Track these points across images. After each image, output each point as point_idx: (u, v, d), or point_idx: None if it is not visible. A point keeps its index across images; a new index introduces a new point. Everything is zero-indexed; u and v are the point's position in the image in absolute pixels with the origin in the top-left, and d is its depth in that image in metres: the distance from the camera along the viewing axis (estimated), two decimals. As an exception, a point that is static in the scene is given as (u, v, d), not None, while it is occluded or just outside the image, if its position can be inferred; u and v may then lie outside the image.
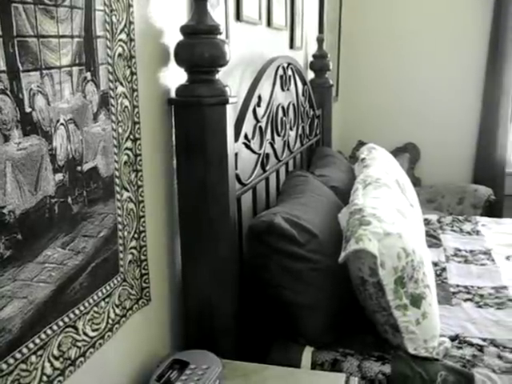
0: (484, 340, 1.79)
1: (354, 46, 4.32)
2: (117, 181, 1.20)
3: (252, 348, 1.68)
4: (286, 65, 2.41)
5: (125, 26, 1.20)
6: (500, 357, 1.69)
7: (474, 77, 4.32)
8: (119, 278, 1.24)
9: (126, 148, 1.23)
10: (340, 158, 3.02)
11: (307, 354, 1.65)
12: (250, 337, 1.71)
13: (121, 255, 1.23)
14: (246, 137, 1.78)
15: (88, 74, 1.08)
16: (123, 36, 1.19)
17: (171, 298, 1.54)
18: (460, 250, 2.62)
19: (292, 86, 2.55)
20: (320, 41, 3.11)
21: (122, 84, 1.20)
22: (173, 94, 1.46)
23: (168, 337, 1.54)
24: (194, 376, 1.23)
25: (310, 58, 3.17)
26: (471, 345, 1.75)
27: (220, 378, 1.27)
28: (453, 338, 1.78)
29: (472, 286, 2.22)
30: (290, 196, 2.01)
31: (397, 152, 4.15)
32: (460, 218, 3.17)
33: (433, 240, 2.73)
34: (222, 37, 1.47)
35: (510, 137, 4.35)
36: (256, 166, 1.91)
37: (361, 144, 3.39)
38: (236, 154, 1.62)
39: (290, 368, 1.51)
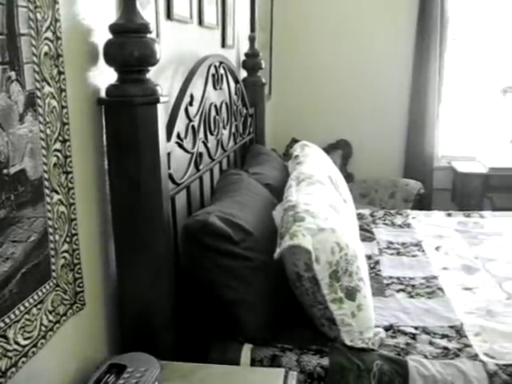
0: (416, 328, 1.85)
1: (287, 44, 4.36)
2: (46, 183, 1.17)
3: (192, 348, 1.67)
4: (218, 64, 2.41)
5: (50, 23, 1.16)
6: (431, 343, 1.76)
7: (402, 75, 4.44)
8: (52, 284, 1.20)
9: (55, 149, 1.20)
10: (273, 156, 3.05)
11: (246, 351, 1.66)
12: (189, 337, 1.70)
13: (53, 260, 1.20)
14: (178, 136, 1.77)
15: (12, 74, 1.05)
16: (49, 34, 1.16)
17: (107, 301, 1.51)
18: (392, 243, 2.69)
19: (224, 85, 2.56)
20: (252, 39, 3.13)
21: (49, 84, 1.17)
22: (103, 94, 1.43)
23: (105, 341, 1.51)
24: (132, 379, 1.21)
25: (242, 57, 3.18)
26: (404, 334, 1.81)
27: (158, 379, 1.26)
28: (387, 328, 1.83)
29: (404, 277, 2.29)
30: (225, 194, 2.01)
31: (329, 149, 4.22)
32: (392, 211, 3.26)
33: (366, 234, 2.79)
34: (153, 36, 1.45)
35: (437, 133, 4.49)
36: (189, 165, 1.90)
37: (294, 141, 3.42)
38: (169, 154, 1.61)
39: (229, 366, 1.51)
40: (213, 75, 2.33)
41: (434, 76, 4.36)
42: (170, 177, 1.65)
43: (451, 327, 1.87)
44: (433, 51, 4.31)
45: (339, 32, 4.39)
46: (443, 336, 1.81)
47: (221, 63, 2.46)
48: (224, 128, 2.48)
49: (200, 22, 2.38)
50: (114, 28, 1.36)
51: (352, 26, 4.39)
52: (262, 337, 1.69)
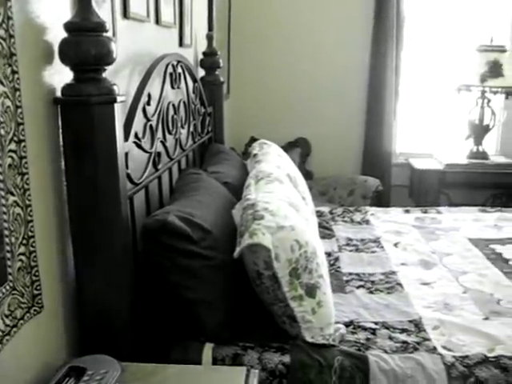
0: (376, 323, 1.88)
1: (245, 42, 4.36)
2: (1, 185, 1.14)
3: (154, 349, 1.66)
4: (175, 63, 2.39)
5: (2, 21, 1.13)
6: (391, 338, 1.79)
7: (360, 74, 4.49)
8: (8, 287, 1.18)
9: (10, 150, 1.18)
10: (232, 155, 3.05)
11: (207, 350, 1.66)
12: (151, 338, 1.68)
13: (9, 262, 1.18)
14: (136, 136, 1.75)
15: (-36, 74, 1.02)
16: (1, 32, 1.13)
17: (66, 304, 1.49)
18: (351, 240, 2.73)
19: (182, 84, 2.55)
20: (210, 38, 3.12)
21: (2, 83, 1.14)
22: (59, 94, 1.41)
23: (64, 343, 1.49)
24: (92, 382, 1.20)
25: (200, 56, 3.17)
26: (365, 329, 1.84)
27: (119, 381, 1.24)
28: (347, 324, 1.86)
29: (364, 274, 2.32)
30: (184, 194, 2.00)
31: (288, 147, 4.24)
32: (350, 208, 3.29)
33: (325, 231, 2.82)
34: (109, 34, 1.44)
35: (394, 130, 4.56)
36: (148, 165, 1.89)
37: (253, 140, 3.43)
38: (126, 154, 1.59)
39: (190, 366, 1.51)
40: (170, 74, 2.31)
41: (391, 74, 4.42)
42: (128, 177, 1.63)
43: (410, 322, 1.91)
44: (389, 50, 4.37)
45: (297, 31, 4.42)
46: (402, 330, 1.85)
47: (178, 62, 2.45)
48: (182, 127, 2.47)
49: (157, 21, 2.36)
50: (69, 26, 1.34)
51: (309, 25, 4.41)
52: (223, 336, 1.69)
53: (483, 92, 4.31)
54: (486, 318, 1.95)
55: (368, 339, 1.78)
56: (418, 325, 1.88)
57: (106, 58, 1.38)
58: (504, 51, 4.23)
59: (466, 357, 1.68)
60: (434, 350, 1.72)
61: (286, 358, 1.63)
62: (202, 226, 1.72)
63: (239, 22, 4.27)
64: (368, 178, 4.24)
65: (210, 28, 3.19)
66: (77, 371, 1.24)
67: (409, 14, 4.44)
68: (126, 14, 1.95)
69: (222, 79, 3.24)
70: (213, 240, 1.72)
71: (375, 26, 4.38)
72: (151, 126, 1.94)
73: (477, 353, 1.70)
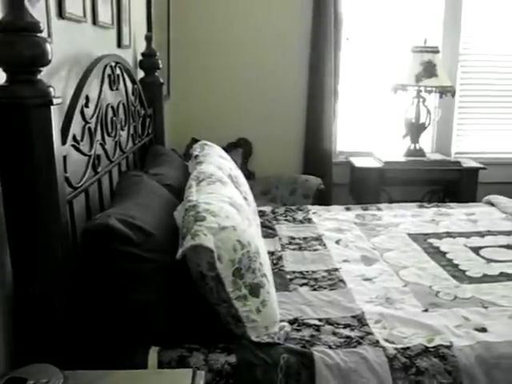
0: (320, 320, 1.91)
1: (184, 43, 4.33)
2: None
3: (101, 355, 1.63)
4: (113, 64, 2.36)
5: None
6: (335, 333, 1.81)
7: (299, 74, 4.53)
8: None
9: None
10: (174, 156, 3.03)
11: (153, 354, 1.64)
12: (97, 344, 1.65)
13: None
14: (74, 139, 1.72)
15: None
16: None
17: (3, 313, 1.44)
18: (294, 238, 2.75)
19: (121, 86, 2.52)
20: (148, 39, 3.09)
21: None
22: (-9, 96, 1.37)
23: (3, 355, 1.45)
24: (33, 391, 1.17)
25: (139, 57, 3.14)
26: (309, 326, 1.86)
27: (62, 389, 1.22)
28: (292, 322, 1.88)
29: (307, 271, 2.35)
30: (125, 197, 1.97)
31: (230, 147, 4.24)
32: (293, 207, 3.32)
33: (268, 230, 2.83)
34: (44, 35, 1.41)
35: (334, 130, 4.63)
36: (87, 168, 1.86)
37: (194, 141, 3.41)
38: (65, 157, 1.56)
39: (135, 370, 1.50)
40: (109, 76, 2.28)
41: (330, 74, 4.48)
42: (67, 180, 1.60)
43: (353, 317, 1.94)
44: (328, 51, 4.42)
45: (236, 32, 4.42)
46: (346, 326, 1.88)
47: (117, 63, 2.42)
48: (122, 129, 2.44)
49: (94, 22, 2.33)
50: (0, 26, 1.30)
51: (249, 26, 4.43)
52: (168, 338, 1.68)
53: (419, 91, 4.42)
54: (426, 310, 2.01)
55: (312, 336, 1.80)
56: (360, 319, 1.92)
57: (41, 59, 1.35)
58: (437, 52, 4.37)
59: (407, 348, 1.73)
60: (376, 343, 1.76)
61: (232, 358, 1.63)
62: (144, 228, 1.71)
63: (178, 23, 4.24)
64: (309, 177, 4.29)
65: (149, 29, 3.17)
66: (17, 382, 1.21)
67: (346, 15, 4.51)
68: (61, 13, 1.91)
69: (161, 80, 3.21)
70: (155, 242, 1.71)
71: (313, 27, 4.43)
72: (90, 129, 1.91)
73: (417, 344, 1.75)
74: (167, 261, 1.69)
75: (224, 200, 1.87)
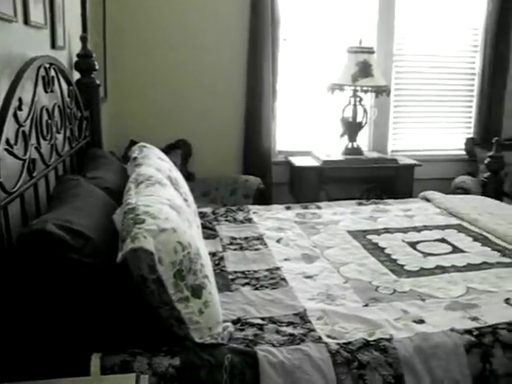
0: (263, 319, 1.92)
1: (121, 44, 4.27)
2: None
3: (41, 364, 1.58)
4: (48, 65, 2.31)
5: None
6: (278, 332, 1.83)
7: (237, 75, 4.54)
8: None
9: None
10: (112, 159, 2.99)
11: (95, 360, 1.61)
12: (37, 352, 1.61)
13: None
14: (7, 142, 1.68)
15: None
16: None
17: None
18: (235, 239, 2.76)
19: (56, 88, 2.46)
20: (84, 39, 3.03)
21: None
22: None
23: None
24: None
25: (75, 58, 3.07)
26: (252, 325, 1.87)
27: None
28: (235, 322, 1.88)
29: (249, 271, 2.36)
30: (62, 201, 1.93)
31: (169, 149, 4.21)
32: (233, 208, 3.33)
33: (209, 231, 2.83)
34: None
35: (273, 129, 4.66)
36: (22, 172, 1.81)
37: (133, 143, 3.37)
38: (-2, 162, 1.52)
39: (78, 378, 1.47)
40: (43, 77, 2.23)
41: (268, 75, 4.50)
42: (1, 185, 1.56)
43: (295, 314, 1.97)
44: (266, 51, 4.45)
45: (174, 32, 4.39)
46: (289, 323, 1.90)
47: (51, 64, 2.37)
48: (58, 132, 2.39)
49: (26, 21, 2.26)
50: None
51: (186, 26, 4.41)
52: (110, 344, 1.66)
53: (355, 91, 4.51)
54: (366, 305, 2.06)
55: (256, 335, 1.81)
56: (303, 317, 1.94)
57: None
58: (372, 52, 4.47)
59: (349, 343, 1.77)
60: (319, 339, 1.78)
61: (176, 361, 1.63)
62: (82, 232, 1.67)
63: (115, 23, 4.18)
64: (249, 177, 4.31)
65: (84, 29, 3.11)
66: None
67: (283, 16, 4.56)
68: (-11, 13, 1.85)
69: (98, 82, 3.16)
70: (94, 246, 1.68)
71: (251, 27, 4.45)
72: (24, 132, 1.86)
73: (358, 338, 1.79)
74: (107, 265, 1.66)
75: (163, 202, 1.85)
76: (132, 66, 4.37)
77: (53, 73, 2.39)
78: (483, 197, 3.77)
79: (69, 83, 2.69)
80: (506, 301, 2.10)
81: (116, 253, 1.60)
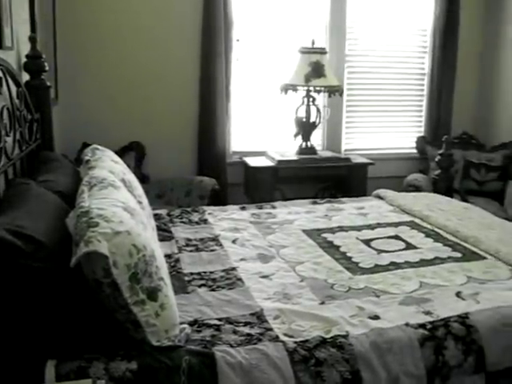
0: (220, 320, 1.92)
1: (72, 44, 4.20)
2: None
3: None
4: (-5, 66, 2.26)
5: None
6: (235, 332, 1.83)
7: (191, 76, 4.54)
8: None
9: None
10: (64, 162, 2.93)
11: (50, 367, 1.58)
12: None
13: None
14: (-46, 146, 1.63)
15: None
16: None
17: None
18: (191, 240, 2.74)
19: (4, 89, 2.40)
20: (33, 40, 2.96)
21: None
22: None
23: None
24: None
25: (24, 59, 3.01)
26: (209, 326, 1.87)
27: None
28: (192, 323, 1.88)
29: (205, 272, 2.35)
30: (12, 206, 1.88)
31: (122, 151, 4.16)
32: (188, 209, 3.31)
33: (165, 233, 2.81)
34: None
35: (228, 130, 4.66)
36: (-30, 177, 1.77)
37: (85, 146, 3.31)
38: None
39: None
40: (-10, 79, 2.18)
41: (221, 75, 4.51)
42: None
43: (252, 314, 1.97)
44: (218, 52, 4.46)
45: (126, 33, 4.36)
46: (246, 323, 1.90)
47: (-2, 66, 2.31)
48: (7, 135, 2.33)
49: (-30, 22, 2.20)
50: None
51: (138, 26, 4.38)
52: (66, 350, 1.63)
53: (308, 91, 4.55)
54: (322, 303, 2.08)
55: (213, 336, 1.80)
56: (259, 316, 1.95)
57: None
58: (324, 53, 4.52)
59: (306, 341, 1.78)
60: (276, 338, 1.79)
61: (133, 365, 1.61)
62: (34, 237, 1.64)
63: (65, 23, 4.12)
64: (204, 178, 4.30)
65: (33, 29, 3.04)
66: None
67: (236, 17, 4.56)
68: None
69: (48, 83, 3.09)
70: (47, 251, 1.64)
71: (204, 28, 4.45)
72: (-29, 136, 1.82)
73: (315, 336, 1.81)
74: (61, 270, 1.63)
75: (117, 205, 1.83)
76: (83, 67, 4.31)
77: (0, 74, 2.33)
78: (434, 194, 3.86)
79: (18, 85, 2.64)
80: (457, 294, 2.16)
81: (70, 257, 1.58)
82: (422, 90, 5.31)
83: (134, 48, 4.40)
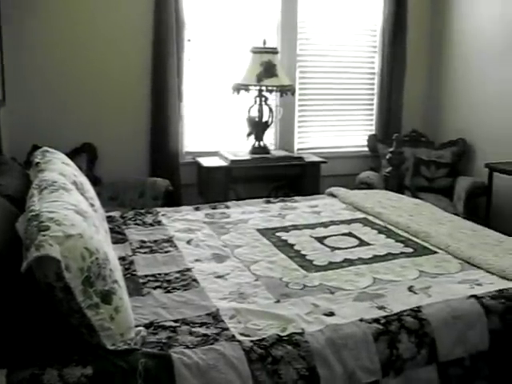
0: (176, 321, 1.91)
1: (19, 45, 4.11)
2: None
3: None
4: None
5: None
6: (191, 333, 1.82)
7: (143, 77, 4.50)
8: None
9: None
10: (13, 165, 2.88)
11: (0, 377, 1.54)
12: None
13: None
14: None
15: None
16: None
17: None
18: (145, 242, 2.72)
19: None
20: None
21: None
22: None
23: None
24: None
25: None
26: (165, 328, 1.85)
27: None
28: (148, 326, 1.86)
29: (160, 274, 2.33)
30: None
31: (74, 153, 4.09)
32: (142, 211, 3.28)
33: (118, 236, 2.77)
34: None
35: (180, 131, 4.64)
36: None
37: (35, 148, 3.25)
38: None
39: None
40: None
41: (173, 75, 4.48)
42: None
43: (208, 315, 1.96)
44: (170, 51, 4.43)
45: (75, 32, 4.28)
46: (202, 324, 1.89)
47: None
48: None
49: None
50: None
51: (88, 27, 4.31)
52: (17, 358, 1.59)
53: (260, 91, 4.57)
54: (278, 301, 2.09)
55: (169, 337, 1.79)
56: (215, 316, 1.95)
57: None
58: (276, 53, 4.55)
59: (263, 339, 1.78)
60: (232, 338, 1.79)
61: (88, 370, 1.58)
62: (-18, 243, 1.60)
63: (12, 22, 4.02)
64: (157, 179, 4.27)
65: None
66: None
67: (188, 17, 4.55)
68: None
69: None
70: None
71: (155, 28, 4.42)
72: None
73: (272, 334, 1.82)
74: (11, 275, 1.60)
75: (68, 207, 1.80)
76: (32, 68, 4.22)
77: None
78: (386, 191, 3.93)
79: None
80: (410, 289, 2.21)
81: (20, 262, 1.54)
82: (373, 89, 5.40)
83: (84, 48, 4.33)
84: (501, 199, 4.51)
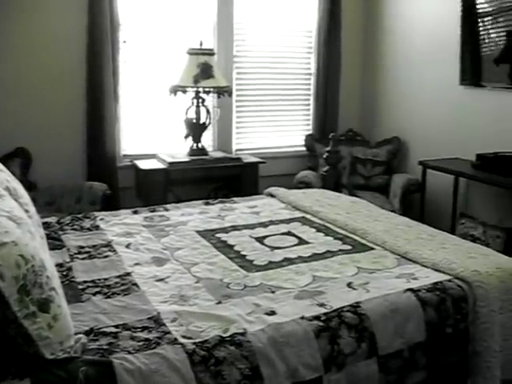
0: (117, 327, 1.88)
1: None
2: None
3: None
4: None
5: None
6: (133, 338, 1.80)
7: (77, 79, 4.41)
8: None
9: None
10: None
11: None
12: None
13: None
14: None
15: None
16: None
17: None
18: (83, 247, 2.66)
19: None
20: None
21: None
22: None
23: None
24: None
25: None
26: (106, 334, 1.82)
27: None
28: (88, 333, 1.82)
29: (99, 279, 2.29)
30: None
31: (6, 158, 3.98)
32: (79, 215, 3.21)
33: (55, 242, 2.71)
34: None
35: (117, 133, 4.58)
36: None
37: (-35, 154, 3.16)
38: None
39: None
40: None
41: (109, 77, 4.42)
42: None
43: (149, 318, 1.95)
44: (105, 53, 4.37)
45: (7, 34, 4.16)
46: (143, 328, 1.87)
47: None
48: None
49: None
50: None
51: (20, 28, 4.21)
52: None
53: (197, 92, 4.56)
54: (219, 302, 2.09)
55: (110, 343, 1.76)
56: (157, 320, 1.93)
57: None
58: (212, 54, 4.55)
59: (205, 341, 1.78)
60: (174, 341, 1.78)
61: (26, 382, 1.54)
62: None
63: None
64: (94, 183, 4.20)
65: None
66: None
67: (123, 18, 4.49)
68: None
69: None
70: None
71: (89, 29, 4.35)
72: None
73: (214, 336, 1.82)
74: None
75: (1, 214, 1.75)
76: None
77: None
78: (323, 189, 3.99)
79: None
80: (349, 285, 2.25)
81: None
82: (309, 89, 5.48)
83: (15, 49, 4.21)
84: (433, 195, 4.66)
